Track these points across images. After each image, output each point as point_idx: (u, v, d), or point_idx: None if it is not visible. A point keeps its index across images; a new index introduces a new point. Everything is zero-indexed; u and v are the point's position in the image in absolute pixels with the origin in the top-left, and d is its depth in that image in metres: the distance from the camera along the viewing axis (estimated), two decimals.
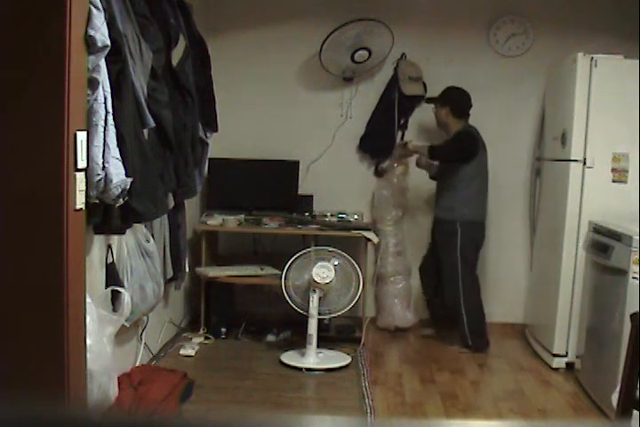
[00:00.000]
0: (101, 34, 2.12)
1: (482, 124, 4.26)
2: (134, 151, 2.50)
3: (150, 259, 3.07)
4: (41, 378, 2.00)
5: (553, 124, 4.06)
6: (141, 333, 3.40)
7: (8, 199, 1.97)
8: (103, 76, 2.25)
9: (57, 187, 1.96)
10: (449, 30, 4.43)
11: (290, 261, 3.82)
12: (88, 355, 2.21)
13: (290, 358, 3.75)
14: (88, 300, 2.26)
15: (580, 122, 3.65)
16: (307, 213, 4.39)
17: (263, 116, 4.58)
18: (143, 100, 2.62)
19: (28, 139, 1.96)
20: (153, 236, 3.19)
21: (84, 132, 2.10)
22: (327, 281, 3.68)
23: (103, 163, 2.27)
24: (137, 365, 3.32)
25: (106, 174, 2.28)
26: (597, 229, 3.44)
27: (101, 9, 2.16)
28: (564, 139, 3.78)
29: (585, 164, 3.66)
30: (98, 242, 2.73)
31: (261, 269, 4.18)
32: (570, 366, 3.71)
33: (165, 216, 3.38)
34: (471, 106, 4.14)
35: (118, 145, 2.36)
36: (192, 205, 4.22)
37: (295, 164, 4.46)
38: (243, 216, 4.34)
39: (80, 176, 2.05)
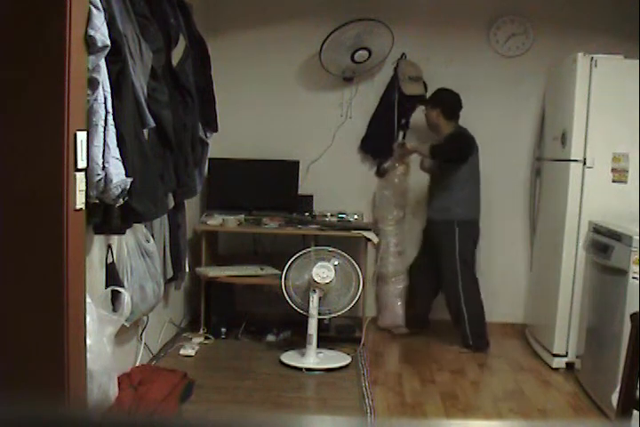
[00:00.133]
0: (101, 34, 2.12)
1: (482, 124, 4.27)
2: (134, 151, 2.50)
3: (150, 259, 3.07)
4: (41, 378, 2.00)
5: (553, 124, 4.06)
6: (141, 333, 3.40)
7: (8, 199, 1.97)
8: (103, 76, 2.25)
9: (57, 187, 1.95)
10: (449, 30, 4.43)
11: (290, 261, 3.82)
12: (88, 355, 2.21)
13: (290, 358, 3.75)
14: (88, 300, 2.26)
15: (579, 122, 3.65)
16: (307, 213, 4.39)
17: (263, 116, 4.58)
18: (143, 100, 2.62)
19: (27, 139, 1.96)
20: (153, 236, 3.19)
21: (84, 133, 2.10)
22: (327, 281, 3.68)
23: (103, 163, 2.27)
24: (137, 365, 3.32)
25: (106, 174, 2.28)
26: (597, 229, 3.44)
27: (101, 9, 2.16)
28: (563, 139, 3.78)
29: (585, 164, 3.66)
30: (98, 242, 2.74)
31: (261, 269, 4.18)
32: (570, 366, 3.71)
33: (165, 216, 3.38)
34: (462, 107, 4.15)
35: (118, 145, 2.36)
36: (192, 205, 4.22)
37: (295, 164, 4.46)
38: (243, 216, 4.34)
39: (80, 176, 2.05)
